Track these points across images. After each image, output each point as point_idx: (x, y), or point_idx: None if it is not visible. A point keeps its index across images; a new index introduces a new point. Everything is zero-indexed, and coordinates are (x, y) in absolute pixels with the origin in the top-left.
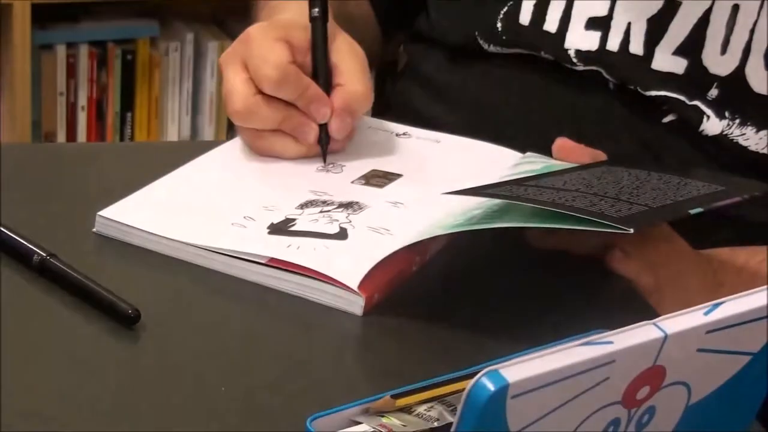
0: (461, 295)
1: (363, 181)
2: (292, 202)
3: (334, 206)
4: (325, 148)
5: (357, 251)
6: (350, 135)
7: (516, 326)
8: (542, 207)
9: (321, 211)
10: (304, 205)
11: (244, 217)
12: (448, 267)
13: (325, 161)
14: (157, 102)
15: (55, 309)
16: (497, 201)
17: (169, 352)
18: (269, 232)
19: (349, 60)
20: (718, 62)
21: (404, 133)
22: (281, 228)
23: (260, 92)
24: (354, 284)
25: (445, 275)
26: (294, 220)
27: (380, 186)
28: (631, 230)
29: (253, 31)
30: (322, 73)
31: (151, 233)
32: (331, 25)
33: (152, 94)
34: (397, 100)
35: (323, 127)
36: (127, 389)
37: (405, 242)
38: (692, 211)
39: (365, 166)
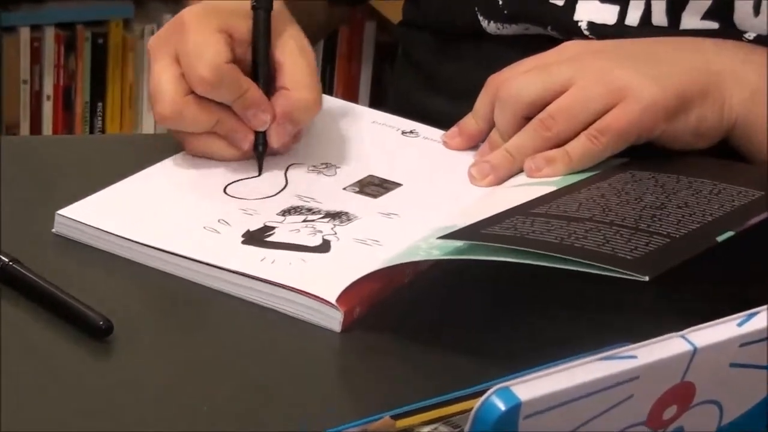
0: (462, 306)
1: (356, 188)
2: (274, 206)
3: (320, 215)
4: (262, 157)
5: (339, 264)
6: (295, 140)
7: (526, 340)
8: (546, 253)
9: (305, 220)
10: (286, 212)
11: (219, 221)
12: (446, 276)
13: (260, 173)
14: (131, 90)
15: (19, 320)
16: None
17: (143, 366)
18: (243, 242)
19: (296, 59)
20: (752, 23)
21: (411, 132)
22: (257, 237)
23: (192, 92)
24: (332, 297)
25: (443, 285)
26: (273, 228)
27: (375, 195)
28: (646, 278)
29: (189, 17)
30: (263, 73)
31: (114, 234)
32: (280, 15)
33: (126, 81)
34: (394, 89)
35: (260, 135)
36: (99, 406)
37: (391, 261)
38: (720, 238)
39: (362, 170)
